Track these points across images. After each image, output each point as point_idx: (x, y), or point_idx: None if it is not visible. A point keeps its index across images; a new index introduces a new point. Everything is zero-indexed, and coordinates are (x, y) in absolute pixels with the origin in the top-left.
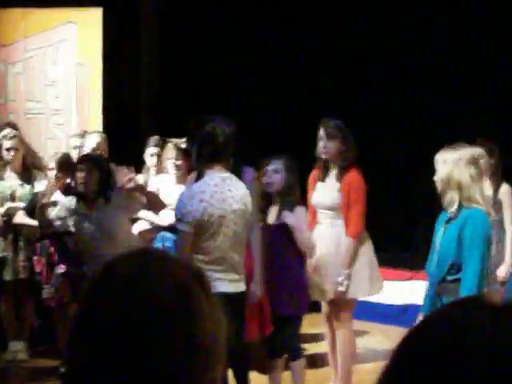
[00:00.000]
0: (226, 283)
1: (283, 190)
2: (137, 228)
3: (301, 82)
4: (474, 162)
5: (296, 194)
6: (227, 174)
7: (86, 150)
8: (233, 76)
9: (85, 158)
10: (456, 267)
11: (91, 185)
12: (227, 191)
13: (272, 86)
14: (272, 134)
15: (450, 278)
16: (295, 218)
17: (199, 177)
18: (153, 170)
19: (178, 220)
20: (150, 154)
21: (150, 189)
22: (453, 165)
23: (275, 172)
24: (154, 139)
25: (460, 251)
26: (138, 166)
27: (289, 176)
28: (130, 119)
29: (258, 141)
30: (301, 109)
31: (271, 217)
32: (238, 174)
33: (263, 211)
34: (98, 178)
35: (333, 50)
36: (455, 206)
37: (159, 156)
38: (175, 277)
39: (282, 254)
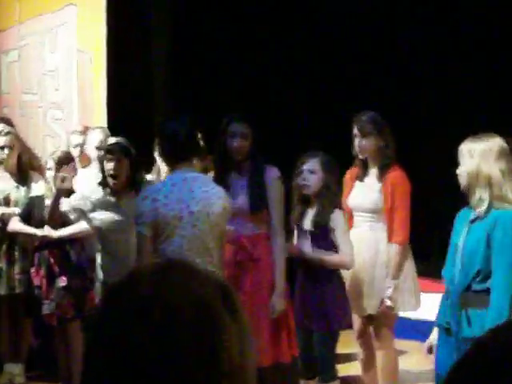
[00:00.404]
0: None
1: (320, 191)
2: None
3: (334, 75)
4: (504, 154)
5: (335, 196)
6: (194, 174)
7: (88, 148)
8: (254, 70)
9: (113, 147)
10: (483, 274)
11: (121, 175)
12: (187, 191)
13: (299, 80)
14: (307, 130)
15: (476, 287)
16: (333, 223)
17: (217, 177)
18: (163, 171)
19: (136, 223)
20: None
21: None
22: (480, 157)
23: (311, 172)
24: None
25: (488, 257)
26: (148, 166)
27: (326, 176)
28: (137, 113)
29: (292, 138)
30: (336, 103)
31: (307, 221)
32: (259, 173)
33: (299, 215)
34: (127, 167)
35: (364, 43)
36: (485, 205)
37: None
38: (196, 294)
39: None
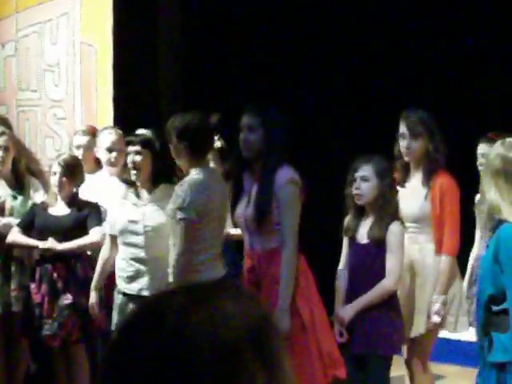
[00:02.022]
0: None
1: (375, 201)
2: None
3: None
4: None
5: (392, 205)
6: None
7: (99, 150)
8: (272, 64)
9: (133, 138)
10: (500, 297)
11: (144, 169)
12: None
13: (331, 76)
14: (341, 132)
15: (495, 308)
16: (389, 237)
17: (234, 180)
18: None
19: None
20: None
21: None
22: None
23: (364, 180)
24: None
25: (498, 280)
26: None
27: (382, 183)
28: (147, 111)
29: (326, 140)
30: (373, 101)
31: (362, 234)
32: (268, 176)
33: (353, 227)
34: (150, 160)
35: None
36: (497, 217)
37: None
38: (221, 337)
39: (372, 279)
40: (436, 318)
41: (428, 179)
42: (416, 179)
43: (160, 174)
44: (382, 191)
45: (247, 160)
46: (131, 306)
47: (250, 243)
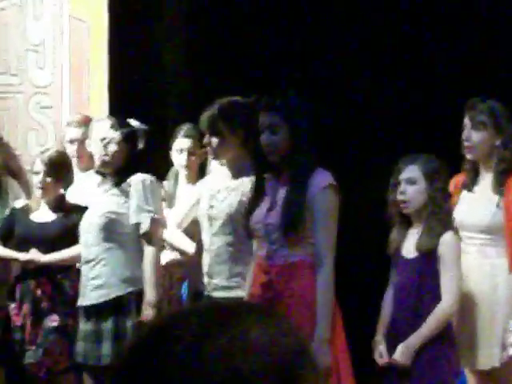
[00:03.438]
0: None
1: (424, 207)
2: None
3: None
4: None
5: (443, 212)
6: None
7: (92, 142)
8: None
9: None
10: None
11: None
12: None
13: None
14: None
15: None
16: (442, 249)
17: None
18: (183, 175)
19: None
20: (177, 148)
21: (180, 203)
22: None
23: (410, 183)
24: (184, 128)
25: None
26: (163, 167)
27: (431, 186)
28: (148, 99)
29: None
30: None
31: (408, 248)
32: (299, 182)
33: (398, 240)
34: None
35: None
36: None
37: (191, 153)
38: (236, 368)
39: (422, 301)
40: None
41: (499, 182)
42: (486, 182)
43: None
44: (432, 195)
45: (273, 163)
46: None
47: (268, 255)
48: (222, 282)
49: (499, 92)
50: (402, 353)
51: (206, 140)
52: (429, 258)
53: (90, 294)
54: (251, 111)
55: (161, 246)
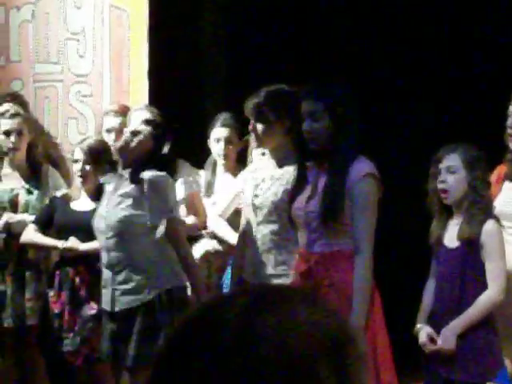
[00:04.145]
0: None
1: (465, 196)
2: (199, 250)
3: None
4: None
5: (486, 200)
6: None
7: (129, 131)
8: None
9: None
10: None
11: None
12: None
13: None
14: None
15: None
16: (485, 238)
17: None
18: (221, 164)
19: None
20: (215, 138)
21: (217, 195)
22: None
23: (451, 172)
24: (222, 117)
25: None
26: (201, 156)
27: (471, 175)
28: (187, 88)
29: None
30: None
31: (450, 237)
32: (340, 170)
33: (438, 231)
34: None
35: None
36: None
37: (229, 142)
38: (289, 349)
39: (465, 291)
40: None
41: None
42: None
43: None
44: (472, 184)
45: (315, 152)
46: None
47: (308, 243)
48: (268, 271)
49: None
50: (447, 338)
51: (251, 127)
52: (471, 247)
53: (120, 299)
54: (297, 100)
55: (198, 234)
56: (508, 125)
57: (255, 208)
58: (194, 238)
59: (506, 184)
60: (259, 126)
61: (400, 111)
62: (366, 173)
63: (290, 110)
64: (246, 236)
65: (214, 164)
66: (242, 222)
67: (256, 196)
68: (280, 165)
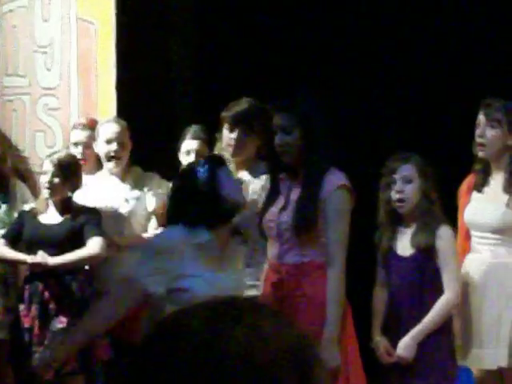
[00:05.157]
0: None
1: (419, 205)
2: None
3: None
4: None
5: (437, 208)
6: None
7: (97, 143)
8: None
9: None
10: None
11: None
12: None
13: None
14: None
15: None
16: (439, 243)
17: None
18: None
19: None
20: (186, 150)
21: None
22: None
23: (406, 181)
24: (192, 129)
25: None
26: (172, 169)
27: (425, 184)
28: (157, 101)
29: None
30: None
31: (403, 246)
32: (313, 182)
33: (389, 239)
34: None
35: None
36: None
37: (199, 154)
38: (258, 354)
39: (424, 298)
40: None
41: (510, 182)
42: (497, 182)
43: None
44: (427, 192)
45: (287, 164)
46: None
47: (280, 254)
48: None
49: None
50: (406, 347)
51: (227, 137)
52: (427, 253)
53: None
54: (269, 115)
55: None
56: (477, 134)
57: None
58: None
59: (475, 194)
60: (236, 136)
61: (369, 122)
62: (339, 185)
63: (265, 125)
64: None
65: None
66: None
67: None
68: (252, 176)
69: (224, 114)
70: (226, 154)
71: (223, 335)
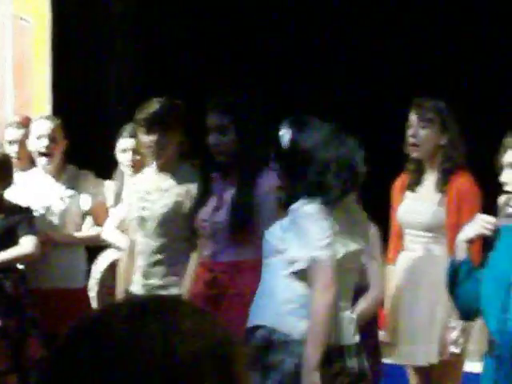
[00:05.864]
0: None
1: None
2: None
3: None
4: None
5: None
6: None
7: (32, 140)
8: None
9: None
10: None
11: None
12: None
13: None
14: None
15: None
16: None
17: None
18: (128, 175)
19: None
20: (122, 148)
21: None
22: None
23: None
24: (129, 127)
25: None
26: (107, 168)
27: None
28: (92, 100)
29: None
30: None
31: None
32: (247, 182)
33: None
34: None
35: None
36: None
37: (136, 152)
38: (176, 350)
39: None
40: (454, 349)
41: (443, 181)
42: (430, 182)
43: None
44: None
45: (221, 164)
46: None
47: (214, 253)
48: (157, 282)
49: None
50: None
51: (145, 140)
52: None
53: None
54: (185, 112)
55: (104, 245)
56: (409, 134)
57: (143, 220)
58: (100, 249)
59: (408, 193)
60: (153, 139)
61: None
62: (275, 185)
63: (182, 122)
64: (134, 249)
65: (122, 175)
66: (130, 235)
67: (143, 208)
68: (171, 176)
69: (138, 117)
70: (148, 157)
71: (142, 333)
